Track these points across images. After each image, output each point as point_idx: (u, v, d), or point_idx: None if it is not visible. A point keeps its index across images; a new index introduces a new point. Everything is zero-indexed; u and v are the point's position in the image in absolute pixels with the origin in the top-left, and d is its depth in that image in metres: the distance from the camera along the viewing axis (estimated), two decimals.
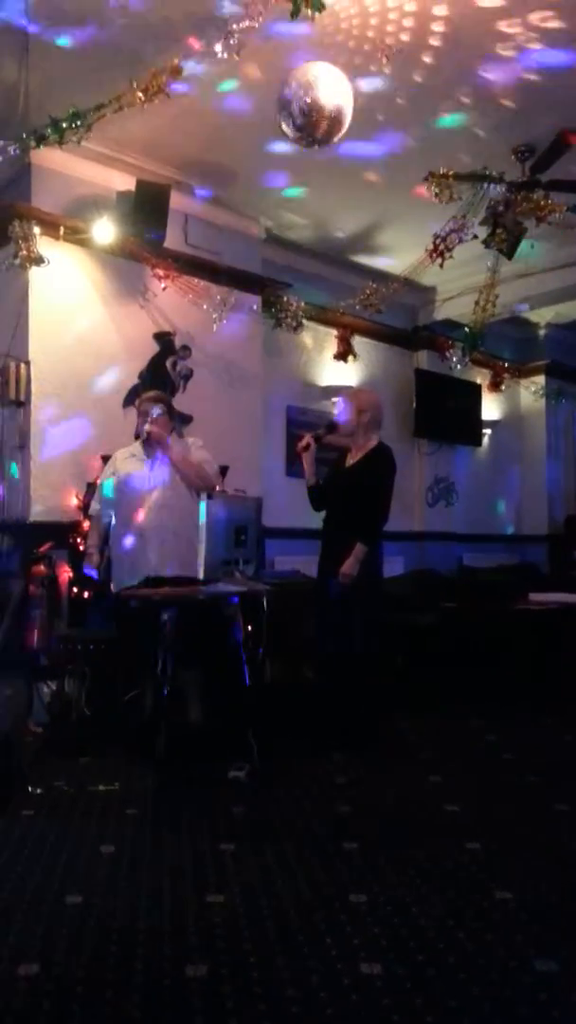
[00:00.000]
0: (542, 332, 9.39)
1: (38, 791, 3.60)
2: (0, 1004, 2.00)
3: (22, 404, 5.30)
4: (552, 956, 2.21)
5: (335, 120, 4.18)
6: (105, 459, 4.83)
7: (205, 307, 6.06)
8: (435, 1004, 1.99)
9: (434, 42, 4.42)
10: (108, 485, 4.51)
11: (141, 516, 4.35)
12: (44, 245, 5.21)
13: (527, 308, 7.85)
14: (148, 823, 3.26)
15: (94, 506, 4.63)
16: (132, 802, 3.48)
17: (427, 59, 4.56)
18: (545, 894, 2.62)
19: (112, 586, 4.49)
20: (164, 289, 5.90)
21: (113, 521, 4.50)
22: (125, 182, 5.55)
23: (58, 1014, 1.96)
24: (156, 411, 4.46)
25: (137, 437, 4.54)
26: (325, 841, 3.06)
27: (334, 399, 7.01)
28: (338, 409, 4.72)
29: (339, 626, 4.36)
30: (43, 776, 3.78)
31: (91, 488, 5.02)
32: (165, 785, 3.65)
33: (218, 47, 4.02)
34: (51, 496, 5.31)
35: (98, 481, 4.71)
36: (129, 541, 4.38)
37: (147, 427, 4.41)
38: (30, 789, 3.61)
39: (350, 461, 4.58)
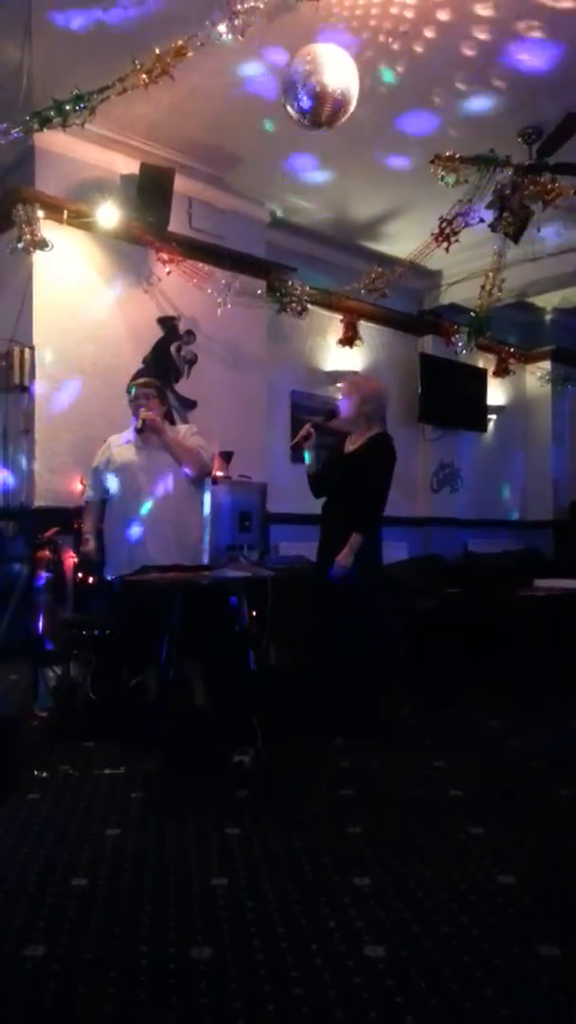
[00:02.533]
0: (548, 317, 9.35)
1: (43, 775, 3.62)
2: (6, 985, 2.01)
3: (26, 389, 5.29)
4: (555, 941, 2.21)
5: (340, 103, 4.15)
6: None
7: (209, 291, 6.04)
8: (439, 987, 2.00)
9: (439, 21, 4.37)
10: (102, 470, 4.51)
11: (138, 505, 4.34)
12: (48, 229, 5.20)
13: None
14: (153, 807, 3.27)
15: (88, 492, 4.64)
16: (137, 786, 3.49)
17: (432, 40, 4.51)
18: (549, 879, 2.62)
19: (107, 573, 4.49)
20: (168, 273, 5.88)
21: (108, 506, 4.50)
22: (129, 165, 5.53)
23: (64, 996, 1.97)
24: (147, 394, 4.47)
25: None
26: (328, 825, 3.07)
27: (339, 384, 6.99)
28: (341, 396, 4.69)
29: (337, 613, 4.36)
30: (48, 760, 3.79)
31: None
32: (170, 769, 3.67)
33: (223, 28, 3.99)
34: (55, 481, 5.31)
35: (92, 467, 4.70)
36: (125, 530, 4.37)
37: (141, 413, 4.40)
38: (35, 773, 3.63)
39: (349, 448, 4.55)
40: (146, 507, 4.34)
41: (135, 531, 4.33)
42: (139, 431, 4.42)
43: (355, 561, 4.25)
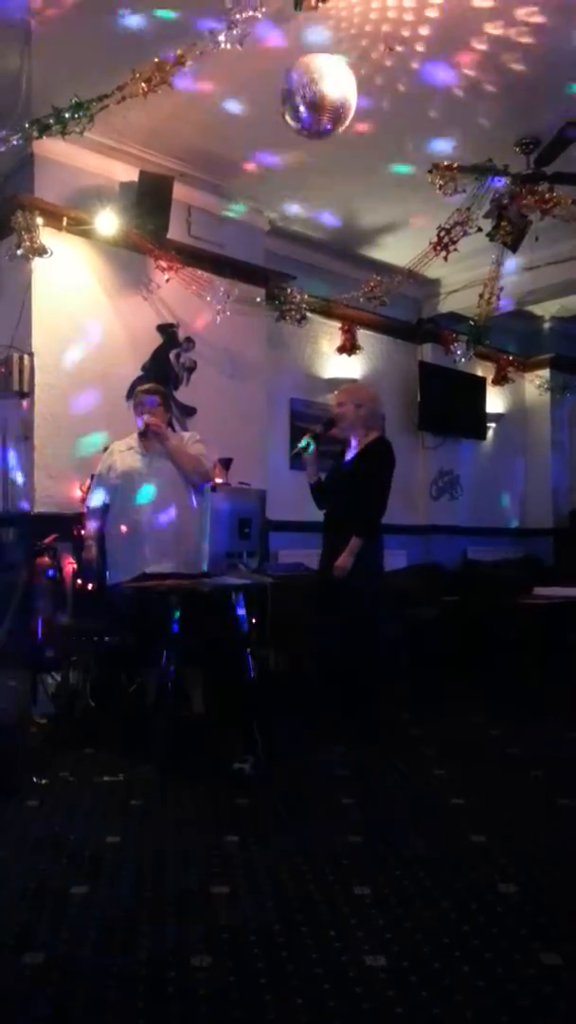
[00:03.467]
0: (547, 325, 9.37)
1: (43, 781, 3.61)
2: (5, 992, 2.00)
3: (25, 395, 5.29)
4: (556, 949, 2.21)
5: (339, 111, 4.16)
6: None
7: (208, 299, 6.04)
8: (440, 997, 1.99)
9: (434, 32, 4.39)
10: (104, 477, 4.51)
11: (137, 511, 4.34)
12: (47, 236, 5.19)
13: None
14: (152, 814, 3.26)
15: (90, 498, 4.63)
16: (136, 793, 3.48)
17: (428, 48, 4.52)
18: (549, 888, 2.61)
19: (108, 578, 4.48)
20: (167, 281, 5.88)
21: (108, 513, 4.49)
22: (128, 173, 5.54)
23: (62, 1003, 1.96)
24: (152, 401, 4.47)
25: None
26: (329, 833, 3.06)
27: (333, 393, 7.00)
28: (335, 406, 4.67)
29: (338, 620, 4.34)
30: (48, 767, 3.78)
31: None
32: (169, 777, 3.66)
33: (222, 37, 4.01)
34: (55, 488, 5.30)
35: (96, 473, 4.70)
36: (125, 536, 4.37)
37: (145, 418, 4.40)
38: (35, 779, 3.62)
39: (349, 455, 4.57)
40: (146, 514, 4.34)
41: (135, 539, 4.33)
42: (142, 435, 4.43)
43: (357, 566, 4.24)
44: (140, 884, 2.62)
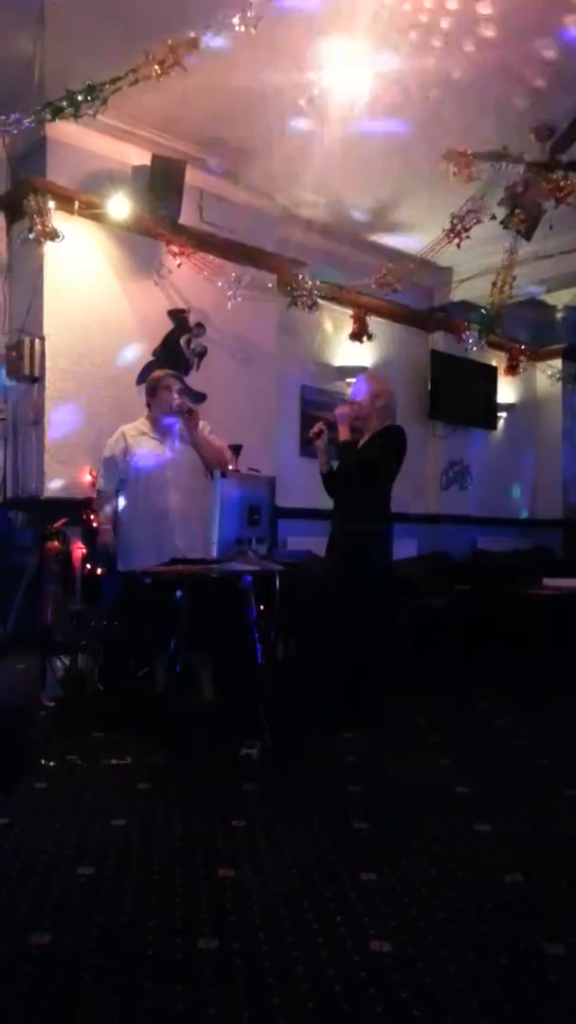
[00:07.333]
0: (559, 315, 9.32)
1: (51, 764, 3.62)
2: (12, 973, 2.01)
3: (36, 380, 5.29)
4: (560, 939, 2.20)
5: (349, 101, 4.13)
6: None
7: (220, 284, 6.03)
8: (444, 984, 1.99)
9: (452, 19, 4.35)
10: (119, 460, 4.47)
11: (161, 498, 4.31)
12: (59, 220, 5.19)
13: (541, 292, 7.76)
14: (160, 798, 3.27)
15: (101, 482, 4.59)
16: (144, 777, 3.49)
17: (444, 37, 4.48)
18: (554, 877, 2.61)
19: (119, 565, 4.47)
20: (179, 266, 5.87)
21: (123, 501, 4.46)
22: (140, 157, 5.52)
23: (69, 984, 1.97)
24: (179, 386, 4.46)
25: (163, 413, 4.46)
26: (335, 819, 3.06)
27: (349, 380, 6.97)
28: (352, 388, 4.67)
29: (346, 607, 4.34)
30: (56, 749, 3.79)
31: None
32: (177, 761, 3.67)
33: (235, 20, 3.98)
34: (65, 472, 5.31)
35: (105, 457, 4.66)
36: (153, 523, 4.33)
37: (180, 400, 4.35)
38: (43, 762, 3.63)
39: (362, 444, 4.55)
40: (174, 500, 4.31)
41: (163, 526, 4.29)
42: (182, 414, 4.35)
43: (368, 555, 4.23)
44: (147, 866, 2.63)
